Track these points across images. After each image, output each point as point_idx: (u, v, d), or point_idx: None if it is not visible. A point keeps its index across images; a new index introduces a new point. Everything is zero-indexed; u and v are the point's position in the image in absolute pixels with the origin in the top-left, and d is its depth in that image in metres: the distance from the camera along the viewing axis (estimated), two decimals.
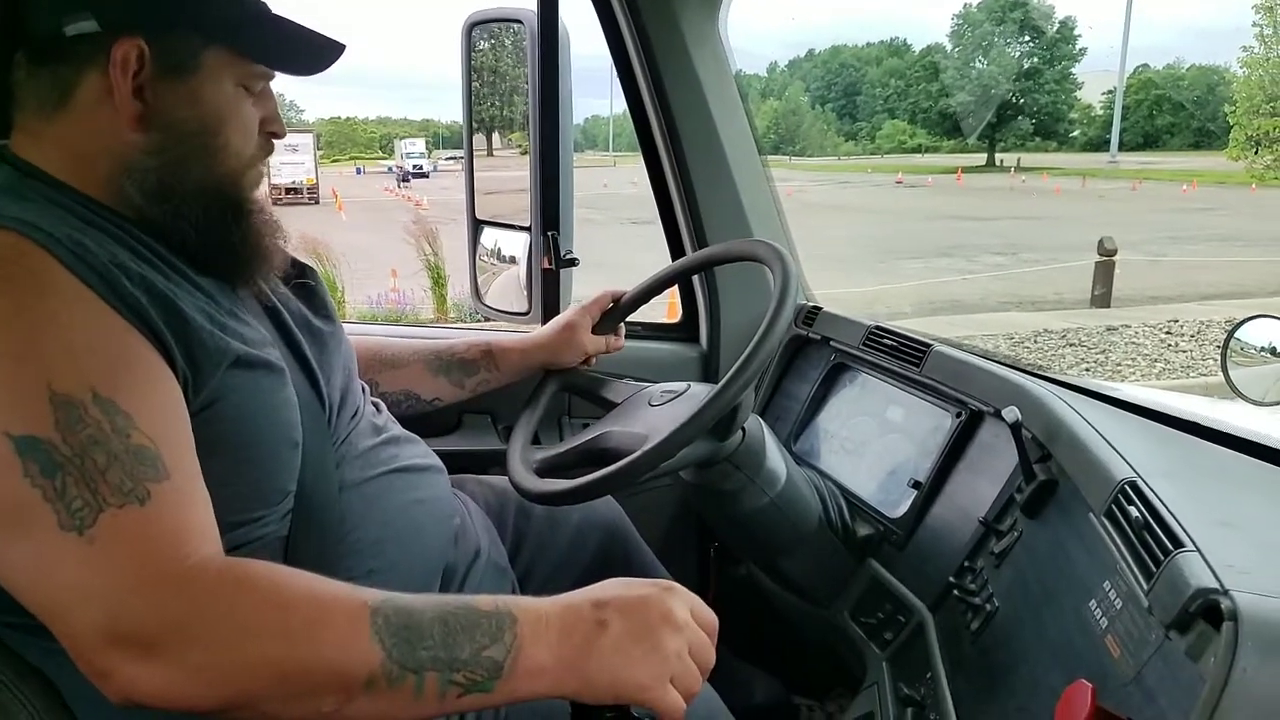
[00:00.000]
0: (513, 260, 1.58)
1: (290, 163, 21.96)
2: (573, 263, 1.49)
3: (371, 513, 0.94)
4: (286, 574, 0.70)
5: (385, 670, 0.68)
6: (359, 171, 45.78)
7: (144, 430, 0.69)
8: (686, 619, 0.78)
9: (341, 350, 1.04)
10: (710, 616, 0.81)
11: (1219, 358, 1.56)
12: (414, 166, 34.81)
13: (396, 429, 1.08)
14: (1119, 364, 6.67)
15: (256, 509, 0.84)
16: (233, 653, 0.65)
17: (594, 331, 1.37)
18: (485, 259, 1.64)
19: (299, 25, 0.88)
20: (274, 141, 0.92)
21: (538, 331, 1.37)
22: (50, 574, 0.66)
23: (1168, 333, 7.42)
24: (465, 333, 1.38)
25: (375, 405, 1.09)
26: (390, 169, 40.19)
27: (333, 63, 0.92)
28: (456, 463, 1.21)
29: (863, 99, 69.70)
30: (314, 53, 0.90)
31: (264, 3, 0.89)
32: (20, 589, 0.68)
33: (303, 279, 1.05)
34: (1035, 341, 7.24)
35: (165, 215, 0.83)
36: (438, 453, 1.11)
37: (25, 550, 0.66)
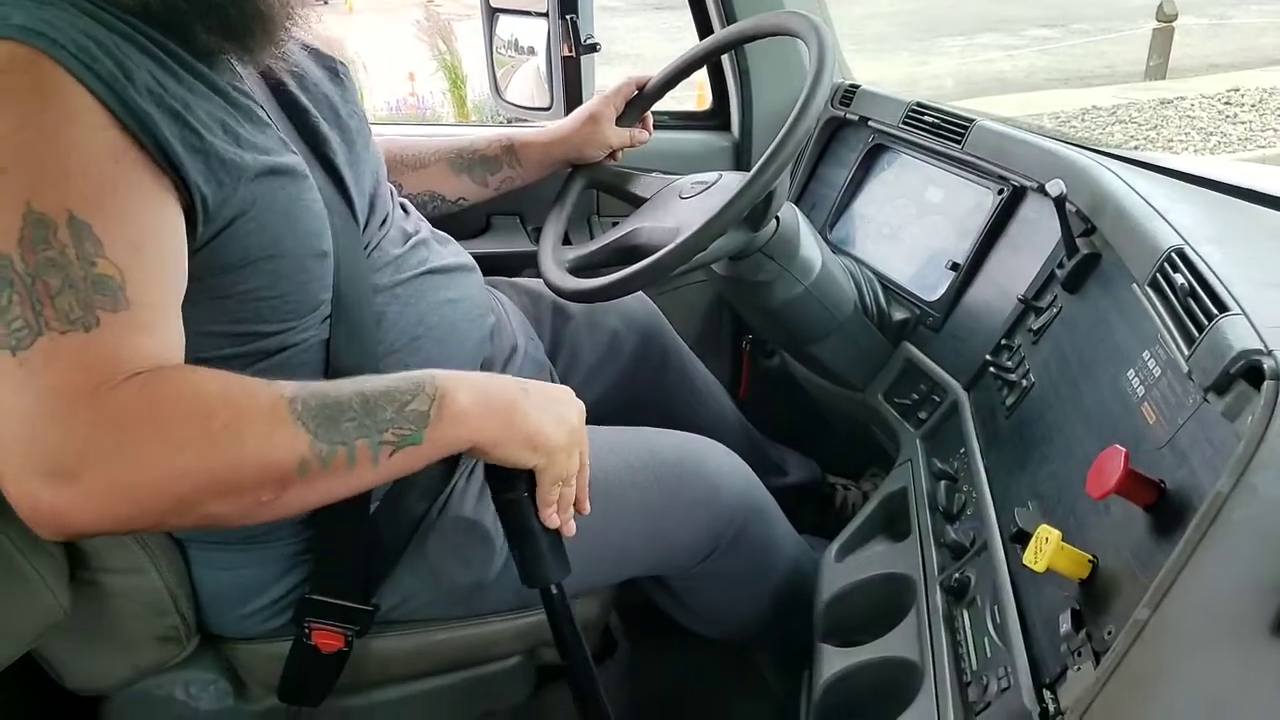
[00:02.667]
0: (531, 51, 1.51)
1: None
2: (594, 48, 1.42)
3: (406, 314, 0.96)
4: (202, 378, 0.68)
5: (315, 450, 0.69)
6: None
7: (112, 259, 0.67)
8: (580, 412, 0.87)
9: (370, 152, 1.02)
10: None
11: None
12: None
13: (426, 230, 1.08)
14: (1170, 140, 6.38)
15: (289, 319, 0.86)
16: (158, 467, 0.64)
17: (618, 123, 1.32)
18: (503, 51, 1.57)
19: None
20: None
21: (559, 124, 1.33)
22: None
23: (1226, 103, 7.03)
24: (486, 130, 1.33)
25: (403, 207, 1.08)
26: None
27: None
28: (488, 264, 1.21)
29: None
30: None
31: None
32: None
33: (333, 68, 1.01)
34: (1082, 120, 6.91)
35: None
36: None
37: None
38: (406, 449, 0.74)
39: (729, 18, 1.56)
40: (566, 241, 1.47)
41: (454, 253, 1.09)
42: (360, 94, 1.06)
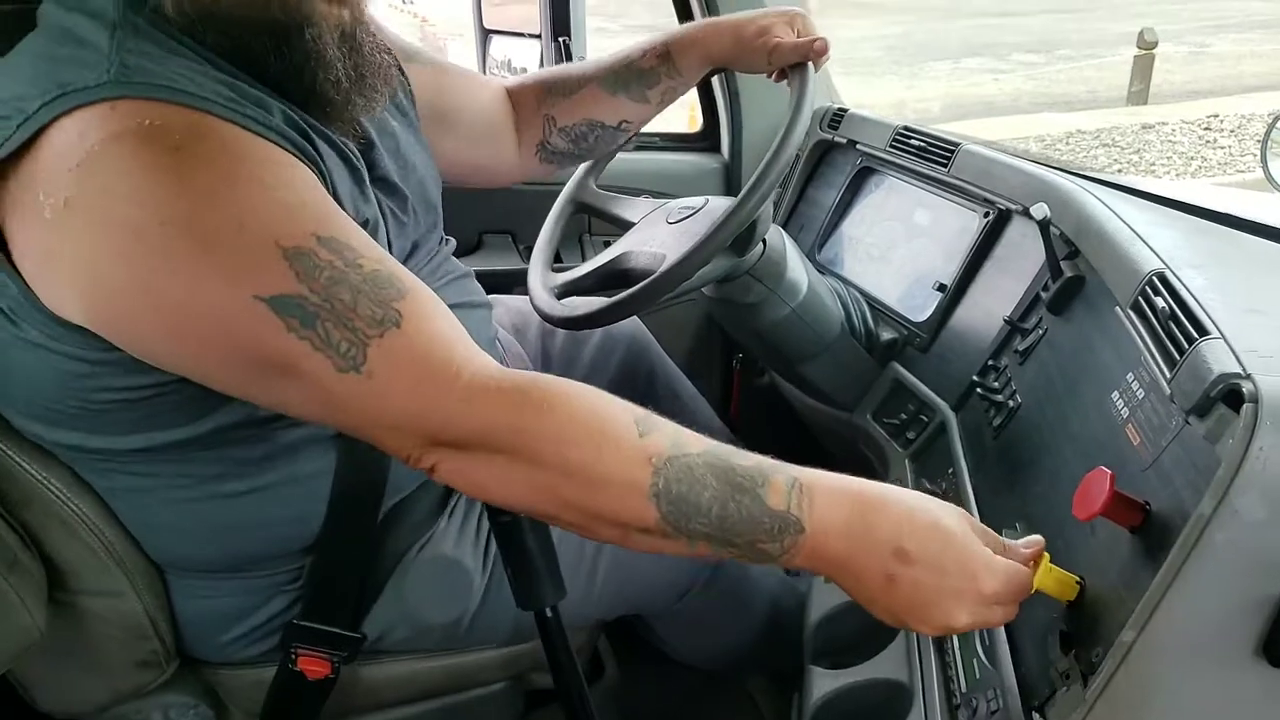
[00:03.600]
0: (524, 71, 1.52)
1: None
2: None
3: None
4: (569, 397, 0.70)
5: (660, 528, 0.68)
6: None
7: (368, 257, 0.70)
8: (995, 593, 0.68)
9: (425, 183, 1.01)
10: (1022, 581, 0.69)
11: (1259, 151, 1.51)
12: None
13: (458, 267, 1.07)
14: (1153, 164, 6.46)
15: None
16: (516, 474, 0.68)
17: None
18: (496, 71, 1.59)
19: None
20: None
21: (717, 21, 1.18)
22: (345, 412, 0.69)
23: (1206, 128, 7.12)
24: (639, 40, 1.20)
25: (444, 238, 1.08)
26: None
27: None
28: (480, 282, 1.22)
29: None
30: None
31: None
32: (316, 418, 0.73)
33: (399, 104, 1.01)
34: (1067, 143, 6.98)
35: (232, 43, 0.76)
36: None
37: (312, 396, 0.69)
38: (742, 558, 0.72)
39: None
40: (558, 260, 1.47)
41: (474, 290, 1.09)
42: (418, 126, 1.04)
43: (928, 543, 0.68)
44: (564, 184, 1.31)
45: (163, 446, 0.81)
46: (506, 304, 1.34)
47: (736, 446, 0.72)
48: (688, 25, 1.21)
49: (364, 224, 0.81)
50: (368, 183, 0.87)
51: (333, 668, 0.94)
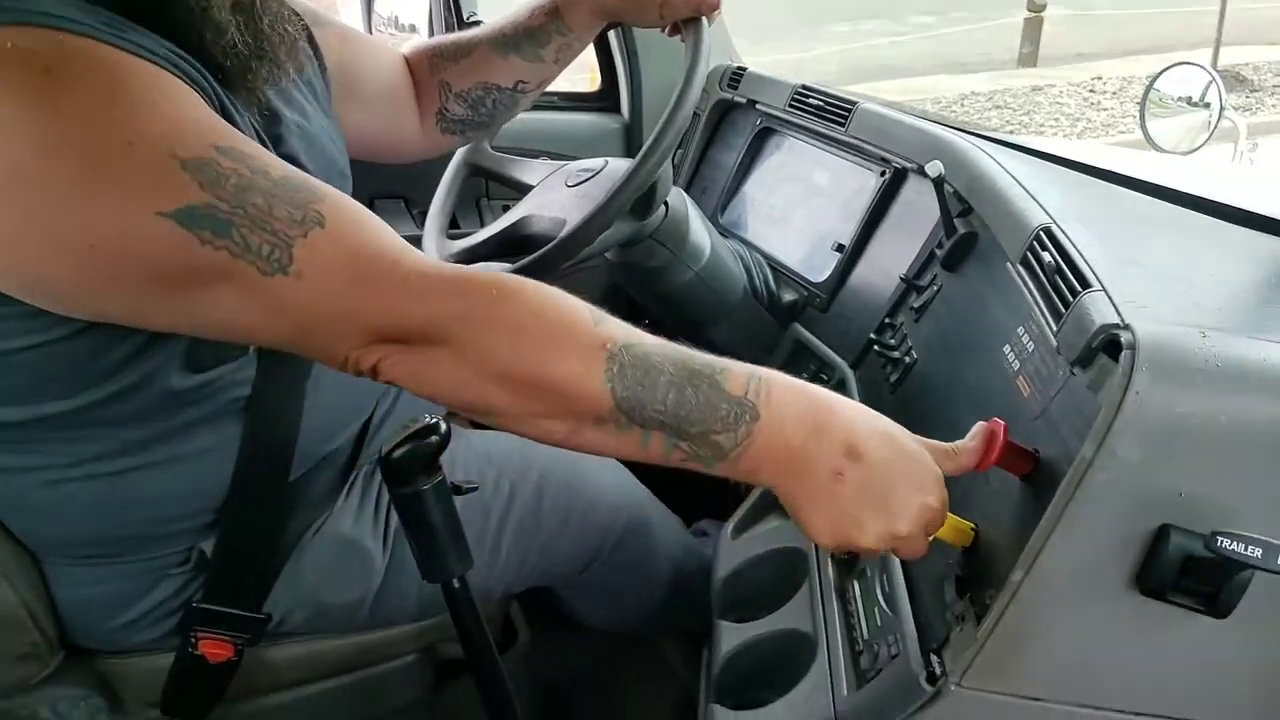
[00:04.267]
0: (413, 28, 1.47)
1: None
2: (477, 24, 1.39)
3: None
4: (521, 284, 0.68)
5: (613, 417, 0.67)
6: None
7: (275, 165, 0.66)
8: (942, 499, 0.69)
9: (330, 153, 0.96)
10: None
11: (1138, 113, 1.57)
12: None
13: None
14: (1042, 125, 6.70)
15: None
16: (465, 365, 0.66)
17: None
18: (383, 29, 1.53)
19: None
20: None
21: None
22: (280, 316, 0.65)
23: (1091, 91, 7.42)
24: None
25: None
26: None
27: None
28: None
29: None
30: None
31: None
32: (251, 331, 0.68)
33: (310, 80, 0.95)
34: (962, 105, 7.19)
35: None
36: None
37: (243, 307, 0.65)
38: (694, 464, 0.70)
39: None
40: (454, 225, 1.44)
41: None
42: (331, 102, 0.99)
43: (880, 447, 0.68)
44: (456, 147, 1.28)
45: (42, 420, 0.76)
46: None
47: None
48: None
49: None
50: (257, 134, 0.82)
51: (235, 650, 0.91)
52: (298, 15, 0.88)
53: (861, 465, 0.67)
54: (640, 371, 0.67)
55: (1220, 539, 0.59)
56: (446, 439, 0.82)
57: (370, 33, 1.54)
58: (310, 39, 0.96)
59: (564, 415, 0.68)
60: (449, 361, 0.66)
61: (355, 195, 1.33)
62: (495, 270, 1.06)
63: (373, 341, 0.66)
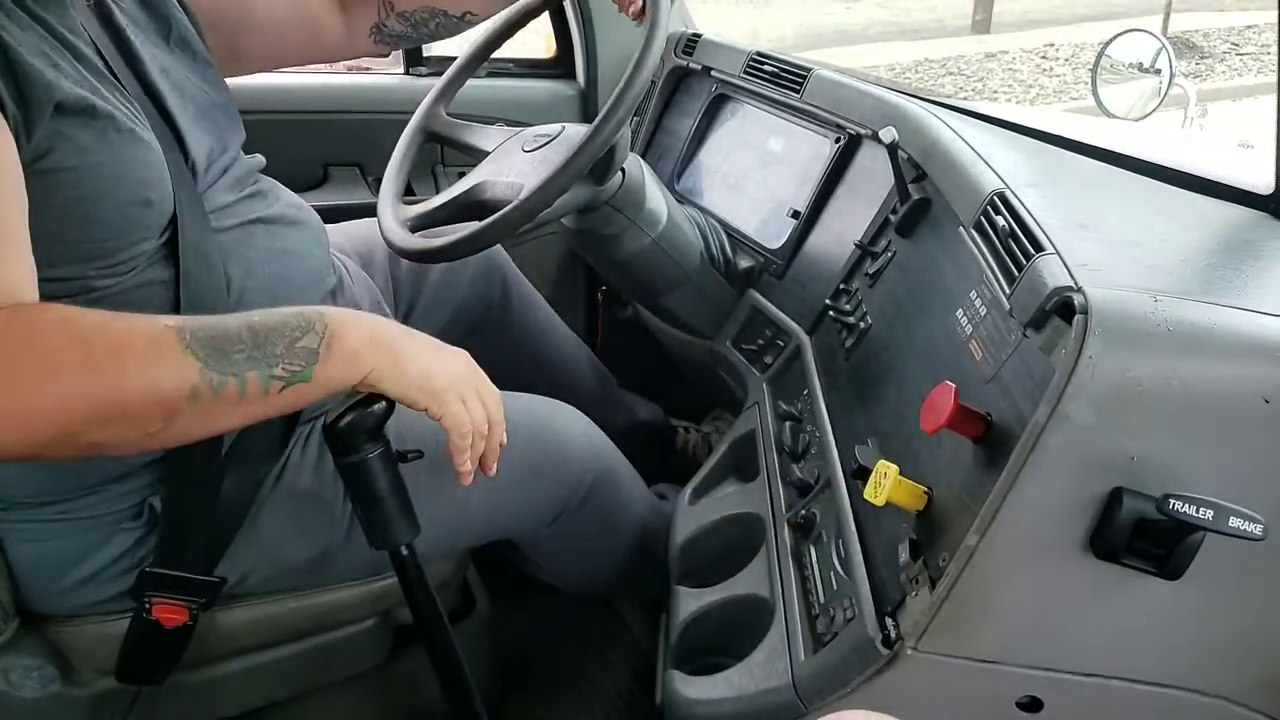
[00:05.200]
0: None
1: None
2: None
3: (232, 263, 0.90)
4: (79, 311, 0.69)
5: (205, 379, 0.69)
6: None
7: None
8: (478, 368, 0.86)
9: (209, 96, 0.96)
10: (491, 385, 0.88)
11: (1090, 78, 1.58)
12: None
13: (265, 183, 1.01)
14: (995, 91, 6.74)
15: (102, 263, 0.80)
16: (37, 392, 0.63)
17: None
18: None
19: None
20: None
21: None
22: None
23: (1043, 58, 7.47)
24: None
25: (241, 154, 1.01)
26: None
27: None
28: (326, 216, 1.15)
29: None
30: None
31: None
32: None
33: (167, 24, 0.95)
34: (916, 71, 7.21)
35: None
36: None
37: None
38: (296, 385, 0.73)
39: None
40: (410, 193, 1.41)
41: (293, 205, 1.02)
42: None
43: (427, 336, 0.84)
44: (412, 113, 1.25)
45: None
46: (349, 232, 1.27)
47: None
48: None
49: (87, 110, 0.75)
50: (106, 74, 0.81)
51: (190, 615, 0.90)
52: None
53: (415, 333, 0.82)
54: (210, 327, 0.71)
55: (1172, 501, 0.60)
56: (391, 407, 0.82)
57: None
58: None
59: (154, 402, 0.68)
60: (12, 396, 0.63)
61: (309, 164, 1.32)
62: (446, 238, 1.04)
63: None
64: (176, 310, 0.84)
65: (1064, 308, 0.64)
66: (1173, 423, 0.63)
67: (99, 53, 0.81)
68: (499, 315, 1.38)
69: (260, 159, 1.04)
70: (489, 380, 0.87)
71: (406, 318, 1.28)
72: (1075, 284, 0.64)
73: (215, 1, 1.03)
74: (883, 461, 0.75)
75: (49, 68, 0.73)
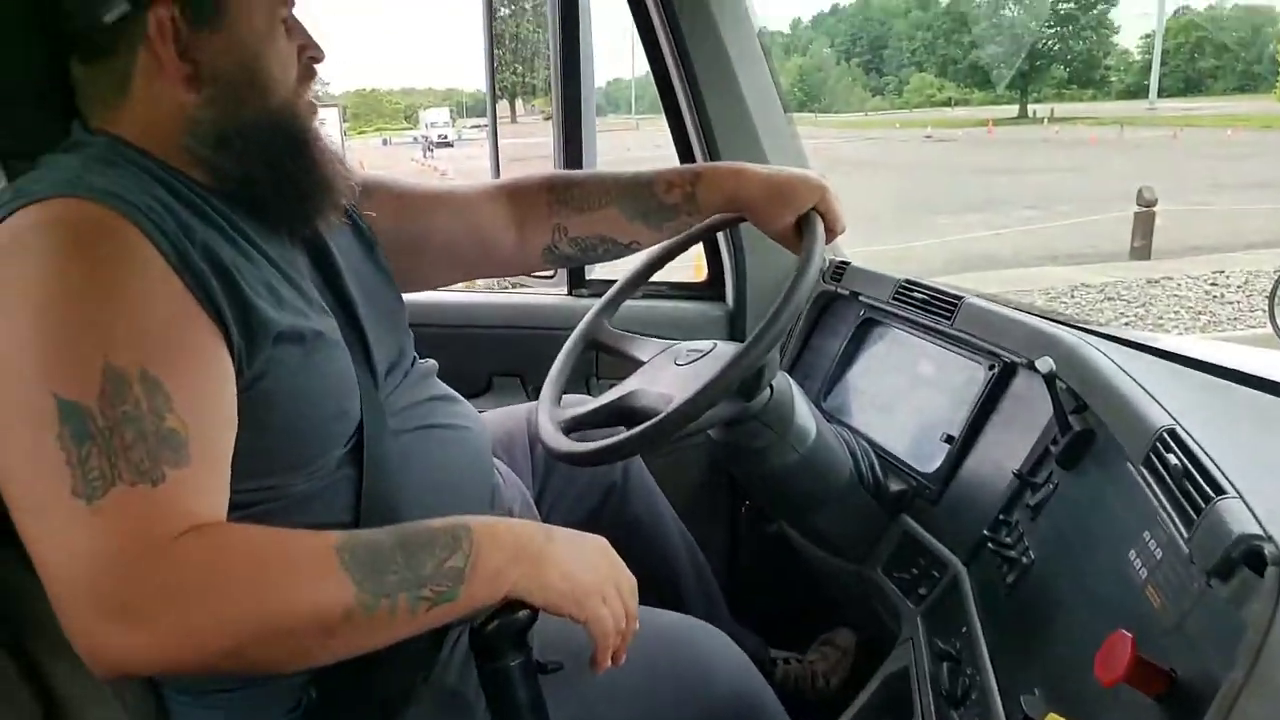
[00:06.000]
0: None
1: None
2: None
3: (410, 463, 0.95)
4: (257, 530, 0.73)
5: (359, 601, 0.71)
6: (385, 143, 45.66)
7: (180, 414, 0.71)
8: (616, 558, 0.87)
9: (390, 305, 1.06)
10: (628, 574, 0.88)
11: (1268, 306, 1.52)
12: (439, 136, 34.50)
13: (440, 389, 1.08)
14: (1161, 317, 6.53)
15: (299, 472, 0.86)
16: (219, 612, 0.67)
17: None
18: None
19: None
20: (315, 67, 0.93)
21: (755, 169, 1.19)
22: (52, 535, 0.68)
23: (1212, 284, 7.25)
24: (664, 171, 1.22)
25: (415, 359, 1.10)
26: (415, 139, 40.05)
27: None
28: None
29: (889, 52, 67.87)
30: None
31: None
32: (27, 543, 0.70)
33: (356, 224, 1.07)
34: (1072, 296, 7.10)
35: (231, 161, 0.85)
36: None
37: (37, 507, 0.68)
38: (443, 605, 0.75)
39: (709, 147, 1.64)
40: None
41: (461, 412, 1.09)
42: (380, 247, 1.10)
43: (567, 533, 0.85)
44: (572, 329, 1.33)
45: None
46: (491, 424, 1.33)
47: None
48: (717, 166, 1.24)
49: (299, 337, 0.83)
50: (314, 295, 0.90)
51: None
52: (341, 160, 0.97)
53: (554, 532, 0.84)
54: (366, 545, 0.74)
55: None
56: (535, 614, 0.82)
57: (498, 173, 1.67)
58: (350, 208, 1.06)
59: (311, 619, 0.70)
60: (191, 622, 0.67)
61: (475, 374, 1.40)
62: (597, 444, 1.08)
63: (100, 610, 0.66)
64: (358, 509, 0.89)
65: (1253, 556, 0.59)
66: None
67: (311, 276, 0.92)
68: (618, 516, 1.38)
69: (433, 363, 1.12)
70: (625, 567, 0.88)
71: (541, 494, 1.31)
72: (1265, 532, 0.59)
73: (396, 218, 1.13)
74: (1052, 715, 0.69)
75: (272, 300, 0.82)
